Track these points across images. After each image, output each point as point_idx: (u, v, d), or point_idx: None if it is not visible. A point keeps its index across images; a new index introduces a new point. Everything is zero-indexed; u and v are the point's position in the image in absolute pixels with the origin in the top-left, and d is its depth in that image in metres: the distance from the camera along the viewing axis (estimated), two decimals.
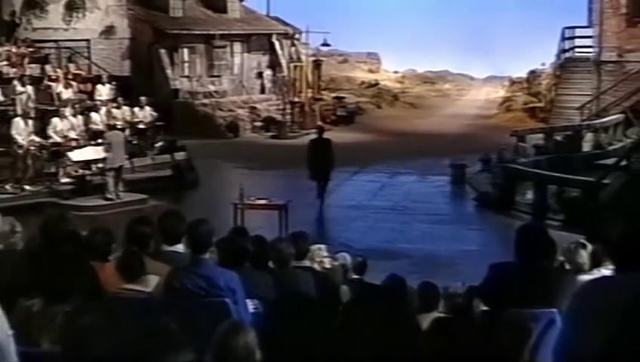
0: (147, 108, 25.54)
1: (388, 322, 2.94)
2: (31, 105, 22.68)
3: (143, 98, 25.80)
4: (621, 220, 6.18)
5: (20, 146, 20.35)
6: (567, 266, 7.52)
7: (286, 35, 40.23)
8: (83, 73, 27.67)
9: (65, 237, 5.57)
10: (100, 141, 21.49)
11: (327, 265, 9.27)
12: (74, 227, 6.40)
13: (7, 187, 20.18)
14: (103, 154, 20.91)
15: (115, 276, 6.18)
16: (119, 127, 22.64)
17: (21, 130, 20.48)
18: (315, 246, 9.23)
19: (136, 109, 25.08)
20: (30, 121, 20.98)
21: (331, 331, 2.93)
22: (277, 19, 41.01)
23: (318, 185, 22.56)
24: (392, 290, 7.68)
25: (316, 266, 8.75)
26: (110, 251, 6.82)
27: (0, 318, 3.84)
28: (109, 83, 26.36)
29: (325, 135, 23.89)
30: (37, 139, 20.81)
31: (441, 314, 7.09)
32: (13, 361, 3.89)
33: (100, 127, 22.60)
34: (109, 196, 20.33)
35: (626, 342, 1.72)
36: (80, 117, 22.61)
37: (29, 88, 23.33)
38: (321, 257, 9.13)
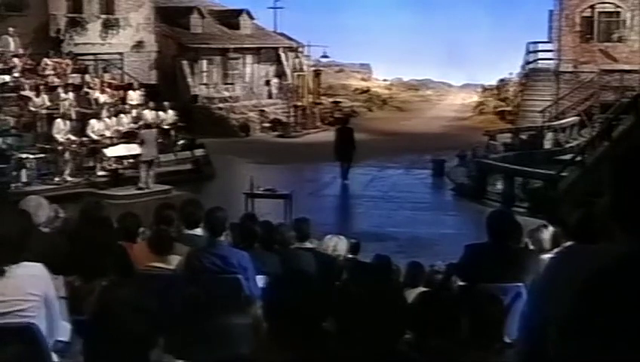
0: (170, 111, 25.46)
1: (376, 293, 2.90)
2: (72, 109, 22.66)
3: (166, 103, 25.73)
4: (577, 207, 6.16)
5: (60, 143, 20.34)
6: (531, 246, 7.48)
7: (291, 49, 40.16)
8: (116, 81, 27.62)
9: (99, 222, 5.55)
10: (130, 139, 21.49)
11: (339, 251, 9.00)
12: (107, 213, 6.37)
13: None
14: (133, 151, 20.91)
15: (144, 254, 6.15)
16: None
17: (60, 130, 20.47)
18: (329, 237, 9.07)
19: (161, 112, 25.02)
20: (68, 122, 20.95)
21: (328, 303, 2.88)
22: (283, 34, 40.96)
23: (342, 167, 23.42)
24: (379, 267, 7.65)
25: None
26: (138, 233, 6.78)
27: (46, 278, 3.86)
28: (139, 90, 26.30)
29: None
30: (73, 137, 20.79)
31: (425, 289, 7.05)
32: (57, 315, 3.92)
33: (131, 127, 22.56)
34: (141, 186, 20.33)
35: (580, 311, 1.68)
36: (114, 119, 22.57)
37: (71, 95, 23.36)
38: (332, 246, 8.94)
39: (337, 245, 8.28)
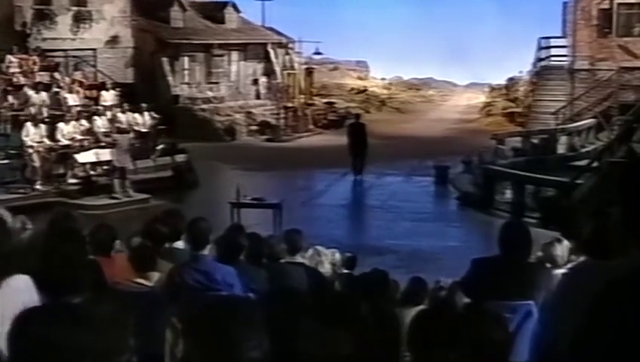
0: (146, 113, 25.37)
1: (370, 312, 2.93)
2: (44, 111, 22.66)
3: (143, 104, 25.70)
4: (593, 217, 6.18)
5: (30, 148, 20.31)
6: (546, 262, 7.50)
7: (280, 45, 40.23)
8: (89, 80, 27.60)
9: (69, 234, 5.55)
10: (104, 144, 21.48)
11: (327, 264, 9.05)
12: (78, 225, 6.38)
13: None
14: (104, 157, 20.89)
15: (124, 269, 6.15)
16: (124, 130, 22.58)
17: (31, 134, 20.46)
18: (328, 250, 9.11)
19: (137, 115, 24.96)
20: (42, 125, 20.96)
21: (318, 322, 2.90)
22: (272, 29, 41.03)
23: (355, 162, 25.24)
24: (376, 283, 7.65)
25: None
26: (112, 246, 6.79)
27: (31, 292, 3.86)
28: (114, 89, 26.28)
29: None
30: (47, 142, 20.78)
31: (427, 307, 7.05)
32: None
33: (104, 130, 22.52)
34: (115, 195, 20.32)
35: (592, 330, 1.70)
36: (85, 121, 22.53)
37: (44, 95, 23.32)
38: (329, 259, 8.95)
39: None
